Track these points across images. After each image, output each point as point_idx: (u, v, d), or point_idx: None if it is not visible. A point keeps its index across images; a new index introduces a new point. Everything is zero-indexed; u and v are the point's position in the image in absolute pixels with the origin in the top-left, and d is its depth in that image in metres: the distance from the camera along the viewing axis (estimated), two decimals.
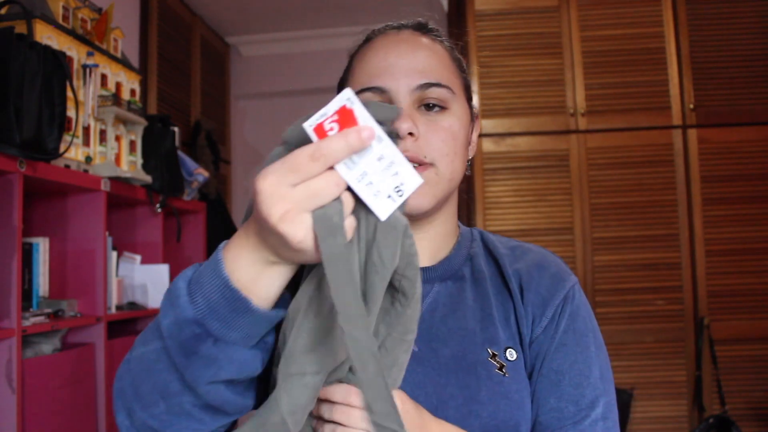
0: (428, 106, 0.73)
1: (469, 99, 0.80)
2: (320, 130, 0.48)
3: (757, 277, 2.63)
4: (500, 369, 0.72)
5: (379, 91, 0.73)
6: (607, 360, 0.76)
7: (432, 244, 0.79)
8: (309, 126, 0.48)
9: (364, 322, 0.48)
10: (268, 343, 0.57)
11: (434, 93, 0.73)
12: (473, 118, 0.81)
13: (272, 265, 0.53)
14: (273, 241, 0.50)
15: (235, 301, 0.52)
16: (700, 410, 2.59)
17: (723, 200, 2.68)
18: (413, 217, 0.73)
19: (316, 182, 0.48)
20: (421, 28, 0.79)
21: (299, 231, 0.48)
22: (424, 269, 0.77)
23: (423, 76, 0.73)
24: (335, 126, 0.48)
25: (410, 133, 0.71)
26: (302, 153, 0.48)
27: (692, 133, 2.71)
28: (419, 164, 0.71)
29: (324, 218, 0.48)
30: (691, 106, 2.71)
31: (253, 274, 0.53)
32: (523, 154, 2.73)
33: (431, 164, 0.72)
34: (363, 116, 0.49)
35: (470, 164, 0.82)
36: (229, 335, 0.53)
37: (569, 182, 2.71)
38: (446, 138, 0.73)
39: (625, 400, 2.54)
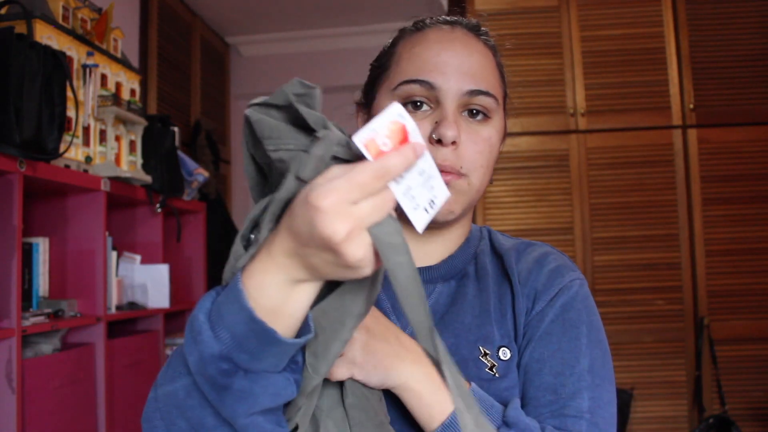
0: (471, 113, 0.72)
1: (504, 110, 0.79)
2: (373, 146, 0.47)
3: (757, 277, 2.63)
4: (491, 369, 0.70)
5: (428, 85, 0.70)
6: (603, 357, 0.71)
7: (444, 246, 0.78)
8: (360, 141, 0.47)
9: (434, 335, 0.49)
10: (298, 363, 0.55)
11: (481, 101, 0.72)
12: (505, 129, 0.80)
13: (300, 285, 0.51)
14: (323, 259, 0.48)
15: (263, 333, 0.50)
16: (700, 410, 2.59)
17: (723, 200, 2.68)
18: (440, 223, 0.73)
19: (375, 200, 0.47)
20: (474, 29, 0.77)
21: (360, 249, 0.47)
22: (428, 268, 0.77)
23: (474, 81, 0.71)
24: (388, 142, 0.48)
25: (453, 142, 0.69)
26: (366, 171, 0.46)
27: (692, 133, 2.71)
28: (455, 174, 0.70)
29: (386, 236, 0.48)
30: (691, 106, 2.71)
31: (281, 298, 0.50)
32: (523, 154, 2.73)
33: (465, 175, 0.71)
34: (413, 131, 0.49)
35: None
36: (259, 366, 0.51)
37: (569, 182, 2.71)
38: (483, 150, 0.72)
39: (625, 400, 2.54)
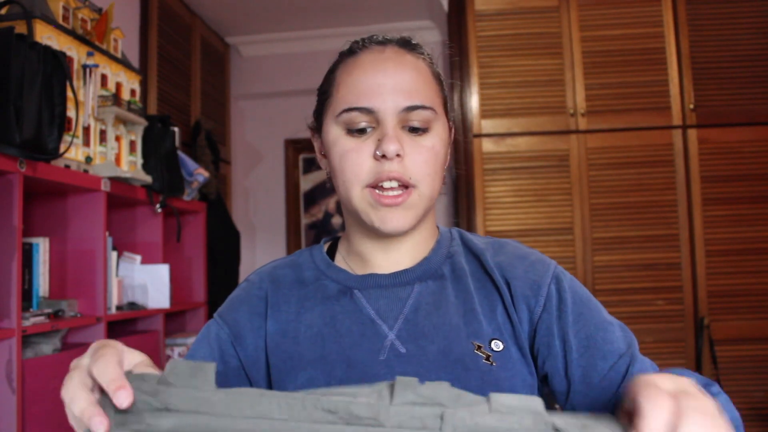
0: (411, 129, 0.76)
1: (446, 113, 0.83)
2: None
3: (757, 277, 2.63)
4: (487, 359, 0.74)
5: (366, 111, 0.75)
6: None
7: (413, 249, 0.83)
8: None
9: None
10: None
11: (419, 116, 0.75)
12: (450, 130, 0.84)
13: None
14: None
15: None
16: None
17: (723, 200, 2.68)
18: (400, 233, 0.78)
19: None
20: (405, 45, 0.80)
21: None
22: (404, 271, 0.81)
23: (409, 97, 0.75)
24: None
25: (397, 155, 0.74)
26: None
27: (692, 133, 2.71)
28: (404, 186, 0.74)
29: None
30: (691, 106, 2.71)
31: None
32: (523, 155, 2.73)
33: (414, 186, 0.75)
34: None
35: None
36: None
37: (569, 182, 2.71)
38: (429, 158, 0.76)
39: None
